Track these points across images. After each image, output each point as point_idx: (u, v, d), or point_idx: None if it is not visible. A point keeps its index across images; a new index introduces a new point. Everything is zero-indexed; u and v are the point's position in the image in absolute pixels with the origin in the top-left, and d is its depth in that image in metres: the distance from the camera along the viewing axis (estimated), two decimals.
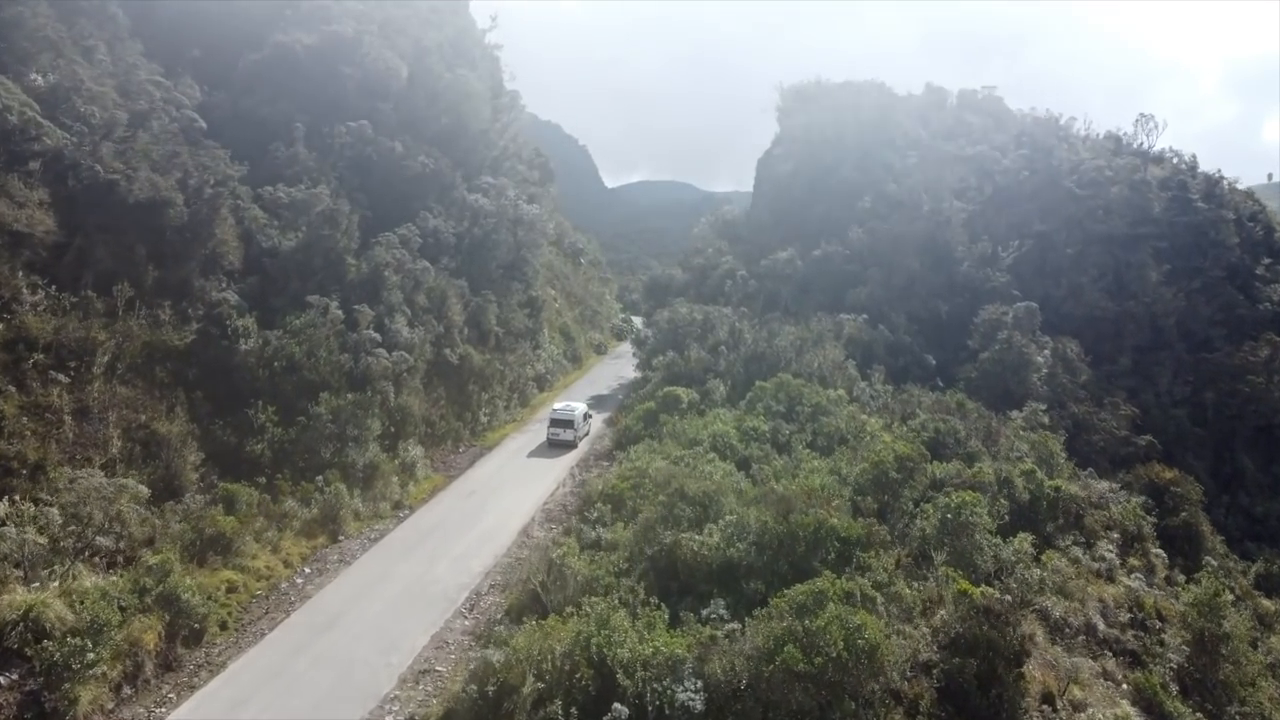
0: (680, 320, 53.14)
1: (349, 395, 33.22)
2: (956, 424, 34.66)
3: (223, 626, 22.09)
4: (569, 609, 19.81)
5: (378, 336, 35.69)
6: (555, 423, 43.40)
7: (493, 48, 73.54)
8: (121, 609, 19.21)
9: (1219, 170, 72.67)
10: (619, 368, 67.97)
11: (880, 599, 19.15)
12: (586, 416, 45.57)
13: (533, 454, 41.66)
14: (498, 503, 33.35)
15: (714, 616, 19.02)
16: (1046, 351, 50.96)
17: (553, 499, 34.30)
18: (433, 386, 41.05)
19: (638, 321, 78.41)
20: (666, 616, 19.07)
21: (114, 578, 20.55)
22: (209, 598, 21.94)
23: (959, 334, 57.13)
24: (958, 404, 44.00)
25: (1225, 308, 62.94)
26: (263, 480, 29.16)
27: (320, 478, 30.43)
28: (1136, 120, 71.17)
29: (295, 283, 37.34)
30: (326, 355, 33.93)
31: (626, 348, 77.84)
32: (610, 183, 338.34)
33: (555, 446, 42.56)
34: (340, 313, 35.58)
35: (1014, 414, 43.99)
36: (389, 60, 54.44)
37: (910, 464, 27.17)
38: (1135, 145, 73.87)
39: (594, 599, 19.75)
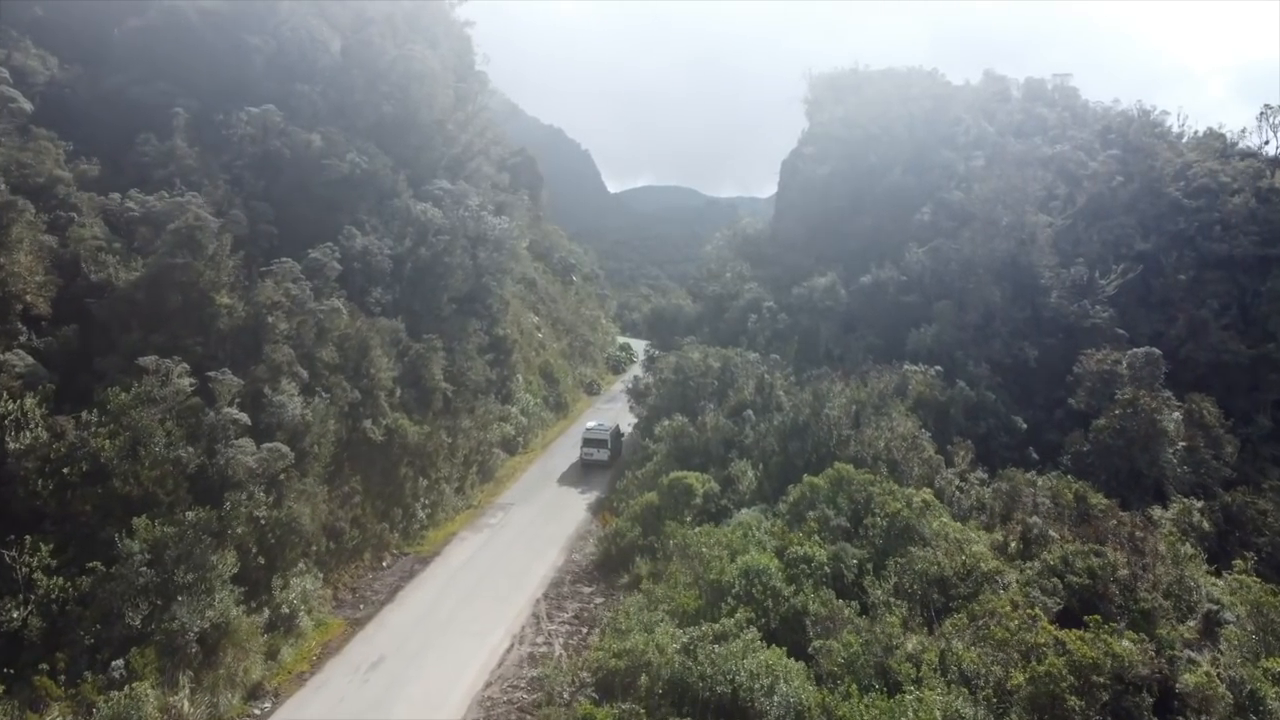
0: (691, 369, 42.79)
1: (189, 514, 22.83)
2: (1114, 558, 24.07)
3: None
4: None
5: (243, 417, 25.26)
6: (589, 443, 45.71)
7: (462, 24, 63.78)
8: None
9: None
10: (614, 415, 57.61)
11: None
12: (618, 435, 47.10)
13: (485, 567, 31.14)
14: (416, 682, 22.76)
15: None
16: (1177, 415, 40.38)
17: (502, 671, 23.67)
18: (343, 477, 30.62)
19: (636, 369, 67.87)
20: None
21: None
22: None
23: (1051, 385, 46.75)
24: (1075, 495, 33.53)
25: None
26: (9, 673, 18.87)
27: (121, 662, 20.00)
28: (1261, 113, 60.78)
29: (135, 334, 27.07)
30: (159, 452, 23.51)
31: (627, 382, 67.68)
32: (615, 188, 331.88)
33: (589, 467, 45.08)
34: (189, 381, 25.18)
35: (1156, 511, 33.45)
36: (314, 30, 44.54)
37: (1096, 673, 16.64)
38: (1245, 144, 63.45)
39: None
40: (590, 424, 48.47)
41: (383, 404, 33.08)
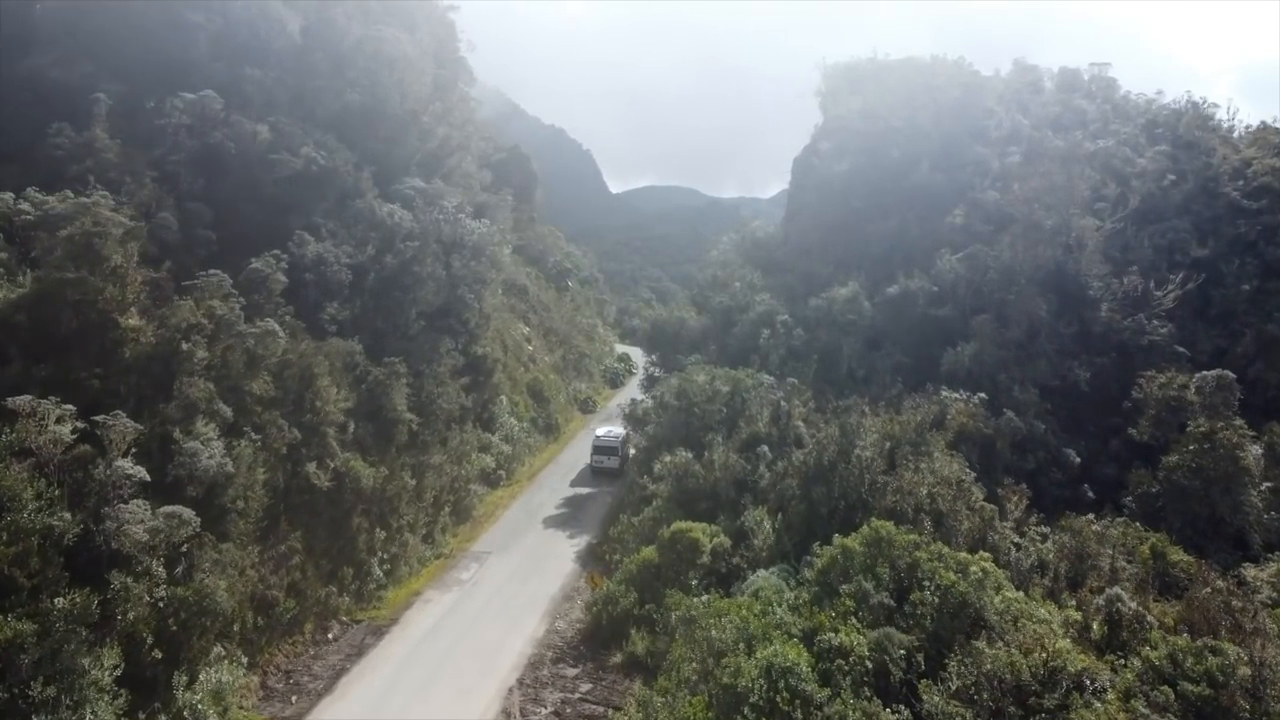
0: (696, 394, 38.22)
1: (58, 602, 18.23)
2: (1233, 653, 19.40)
3: None
4: None
5: (139, 472, 20.64)
6: (598, 450, 46.29)
7: (445, 8, 59.28)
8: None
9: None
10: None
11: None
12: (627, 443, 46.57)
13: (451, 639, 26.51)
14: None
15: None
16: (1257, 449, 35.67)
17: None
18: (279, 534, 26.02)
19: (635, 382, 63.26)
20: None
21: None
22: None
23: (1104, 411, 42.09)
24: (1150, 551, 29.02)
25: None
26: None
27: None
28: None
29: (16, 366, 22.57)
30: (25, 520, 18.92)
31: (625, 398, 63.15)
32: (617, 188, 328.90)
33: (599, 474, 45.33)
34: (70, 428, 20.60)
35: (1250, 570, 28.73)
36: (268, 8, 39.97)
37: None
38: None
39: None
40: (600, 431, 49.81)
41: (331, 443, 28.47)
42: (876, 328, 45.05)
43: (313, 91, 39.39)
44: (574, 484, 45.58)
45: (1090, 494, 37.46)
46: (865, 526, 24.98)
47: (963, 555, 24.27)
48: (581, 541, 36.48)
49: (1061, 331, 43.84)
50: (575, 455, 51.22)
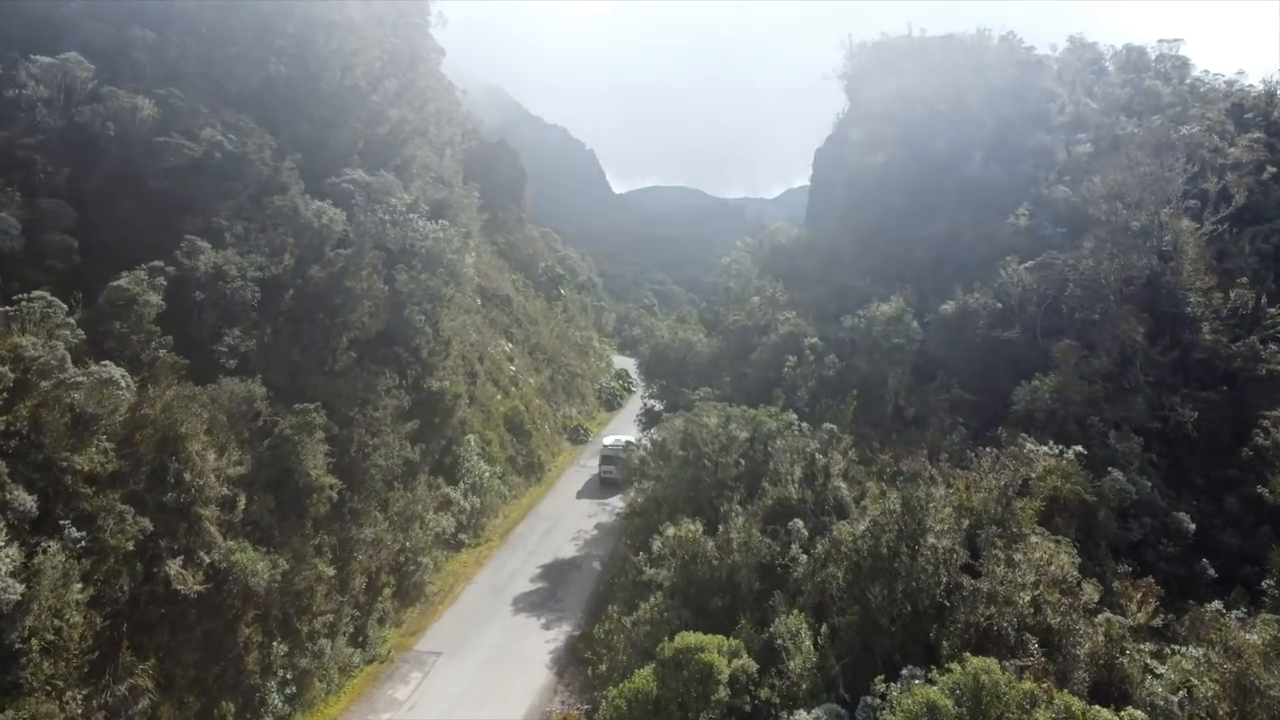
0: (706, 441, 31.03)
1: None
2: None
3: None
4: None
5: None
6: (607, 459, 46.29)
7: None
8: None
9: None
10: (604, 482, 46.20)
11: None
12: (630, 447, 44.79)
13: None
14: None
15: None
16: None
17: None
18: (121, 666, 18.86)
19: (634, 406, 56.18)
20: None
21: None
22: None
23: (1214, 457, 34.96)
24: None
25: None
26: None
27: None
28: None
29: None
30: None
31: (622, 422, 56.30)
32: (621, 188, 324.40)
33: (607, 485, 44.88)
34: None
35: None
36: None
37: None
38: None
39: None
40: (607, 440, 49.95)
41: (208, 529, 21.35)
42: (928, 354, 37.84)
43: (224, 60, 32.37)
44: (557, 541, 38.45)
45: (1210, 571, 30.28)
46: (957, 668, 17.77)
47: (1103, 716, 17.06)
48: (559, 635, 29.36)
49: (1157, 359, 36.62)
50: (560, 504, 44.13)
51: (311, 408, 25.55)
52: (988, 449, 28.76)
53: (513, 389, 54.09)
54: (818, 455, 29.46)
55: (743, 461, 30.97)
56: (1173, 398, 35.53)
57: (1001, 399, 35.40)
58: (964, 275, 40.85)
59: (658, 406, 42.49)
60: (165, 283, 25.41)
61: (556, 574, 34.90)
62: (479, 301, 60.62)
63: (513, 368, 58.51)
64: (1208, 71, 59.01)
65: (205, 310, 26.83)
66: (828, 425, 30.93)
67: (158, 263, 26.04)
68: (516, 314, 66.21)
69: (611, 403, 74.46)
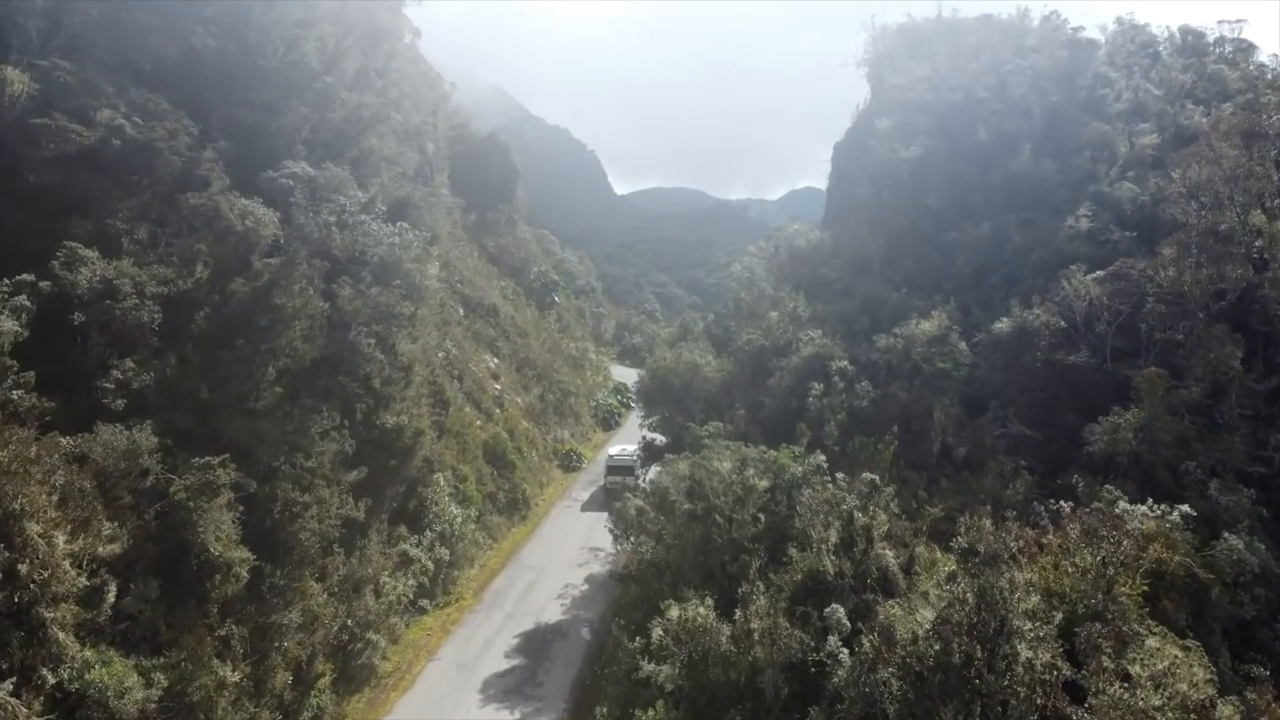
0: (718, 491, 25.81)
1: None
2: None
3: None
4: None
5: None
6: (613, 469, 45.82)
7: None
8: None
9: None
10: (596, 519, 41.07)
11: None
12: (637, 458, 43.73)
13: None
14: None
15: None
16: None
17: None
18: None
19: (632, 425, 51.11)
20: None
21: None
22: None
23: None
24: None
25: None
26: None
27: None
28: None
29: None
30: None
31: (619, 445, 51.24)
32: (623, 189, 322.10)
33: (613, 496, 40.80)
34: None
35: None
36: None
37: None
38: None
39: None
40: (613, 450, 49.73)
41: (55, 637, 16.20)
42: (978, 380, 32.61)
43: (136, 29, 27.28)
44: (540, 600, 33.24)
45: None
46: None
47: None
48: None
49: (1253, 387, 31.36)
50: (545, 549, 38.93)
51: (215, 462, 20.37)
52: (1066, 504, 23.62)
53: (497, 411, 48.97)
54: (857, 514, 24.22)
55: (762, 517, 25.78)
56: (1275, 435, 30.32)
57: (1068, 436, 30.20)
58: (1014, 286, 35.75)
59: (659, 441, 37.24)
60: (31, 303, 20.39)
61: (537, 645, 29.67)
62: (461, 312, 55.64)
63: (497, 386, 53.40)
64: (1275, 56, 53.87)
65: (91, 336, 21.76)
66: (870, 477, 25.63)
67: (28, 276, 21.04)
68: (504, 325, 61.09)
69: (609, 421, 69.29)
